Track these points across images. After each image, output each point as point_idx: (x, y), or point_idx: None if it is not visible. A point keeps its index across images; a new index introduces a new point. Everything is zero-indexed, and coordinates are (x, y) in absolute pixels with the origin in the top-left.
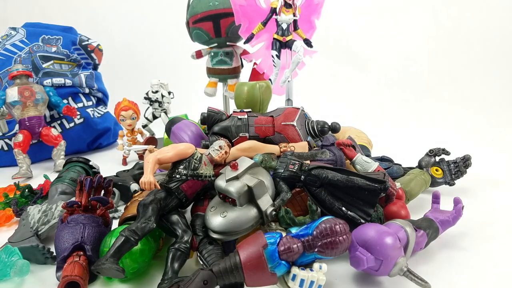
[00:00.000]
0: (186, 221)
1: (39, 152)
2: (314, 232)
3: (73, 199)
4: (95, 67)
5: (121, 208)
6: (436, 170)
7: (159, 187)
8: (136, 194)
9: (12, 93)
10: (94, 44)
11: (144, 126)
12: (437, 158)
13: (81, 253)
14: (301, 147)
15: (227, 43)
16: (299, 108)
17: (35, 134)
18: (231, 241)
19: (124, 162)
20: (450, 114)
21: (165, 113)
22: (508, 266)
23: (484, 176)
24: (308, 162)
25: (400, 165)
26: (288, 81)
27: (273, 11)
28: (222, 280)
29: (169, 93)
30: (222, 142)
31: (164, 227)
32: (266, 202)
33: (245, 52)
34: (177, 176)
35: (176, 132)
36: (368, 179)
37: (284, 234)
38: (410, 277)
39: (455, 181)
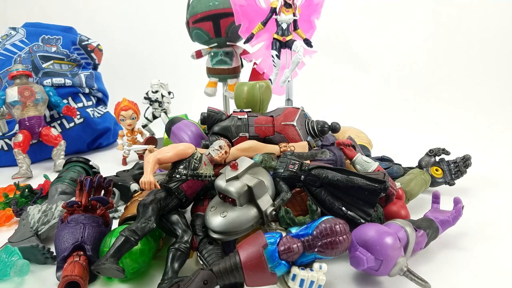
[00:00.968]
0: (186, 221)
1: (39, 152)
2: (314, 232)
3: (73, 199)
4: (95, 67)
5: (121, 208)
6: (436, 170)
7: (159, 187)
8: (136, 194)
9: (12, 93)
10: (94, 44)
11: (144, 126)
12: (437, 158)
13: (81, 253)
14: (301, 147)
15: (227, 43)
16: (299, 108)
17: (35, 134)
18: (231, 241)
19: (124, 162)
20: (450, 114)
21: (165, 113)
22: (508, 266)
23: (484, 176)
24: (308, 162)
25: (400, 165)
26: (288, 81)
27: (273, 11)
28: (222, 280)
29: (169, 93)
30: (222, 142)
31: (164, 227)
32: (266, 202)
33: (245, 52)
34: (177, 176)
35: (176, 132)
36: (368, 179)
37: (284, 234)
38: (410, 277)
39: (455, 181)
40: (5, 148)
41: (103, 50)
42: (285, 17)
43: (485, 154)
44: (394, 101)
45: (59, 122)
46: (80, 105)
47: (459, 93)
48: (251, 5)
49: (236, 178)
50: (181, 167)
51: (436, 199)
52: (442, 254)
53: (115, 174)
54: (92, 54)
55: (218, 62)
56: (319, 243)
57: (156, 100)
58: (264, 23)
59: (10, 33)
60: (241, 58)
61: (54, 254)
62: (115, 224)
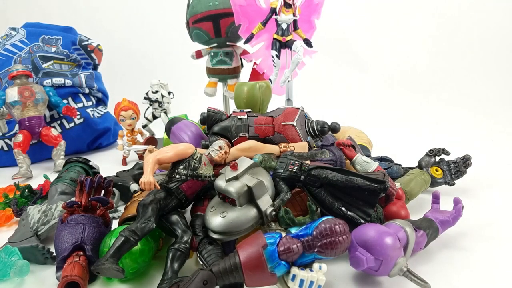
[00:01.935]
0: (186, 221)
1: (39, 152)
2: (314, 232)
3: (73, 199)
4: (95, 67)
5: (121, 208)
6: (436, 170)
7: (158, 187)
8: (136, 194)
9: (12, 93)
10: (94, 44)
11: (144, 126)
12: (437, 158)
13: (81, 253)
14: (301, 147)
15: (227, 43)
16: (299, 108)
17: (35, 134)
18: (231, 241)
19: (124, 162)
20: (450, 114)
21: (165, 113)
22: (508, 266)
23: (484, 176)
24: (308, 162)
25: (400, 165)
26: (288, 81)
27: (273, 11)
28: (221, 280)
29: (169, 93)
30: (222, 142)
31: (164, 227)
32: (266, 202)
33: (245, 52)
34: (177, 176)
35: (176, 132)
36: (368, 179)
37: (284, 234)
38: (410, 277)
39: (455, 181)
40: (5, 148)
41: (103, 50)
42: (285, 17)
43: (485, 154)
44: (394, 101)
45: (59, 122)
46: (80, 105)
47: (459, 93)
48: (251, 5)
49: (236, 178)
50: (181, 167)
51: (436, 199)
52: (442, 254)
53: (115, 174)
54: (92, 54)
55: (218, 62)
56: (319, 244)
57: (156, 100)
58: (264, 23)
59: (10, 33)
60: (241, 58)
61: (54, 254)
62: (115, 224)
